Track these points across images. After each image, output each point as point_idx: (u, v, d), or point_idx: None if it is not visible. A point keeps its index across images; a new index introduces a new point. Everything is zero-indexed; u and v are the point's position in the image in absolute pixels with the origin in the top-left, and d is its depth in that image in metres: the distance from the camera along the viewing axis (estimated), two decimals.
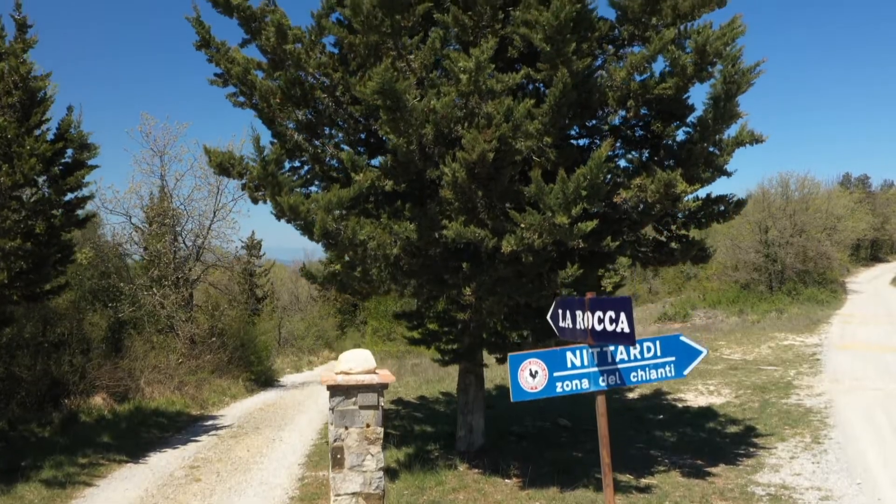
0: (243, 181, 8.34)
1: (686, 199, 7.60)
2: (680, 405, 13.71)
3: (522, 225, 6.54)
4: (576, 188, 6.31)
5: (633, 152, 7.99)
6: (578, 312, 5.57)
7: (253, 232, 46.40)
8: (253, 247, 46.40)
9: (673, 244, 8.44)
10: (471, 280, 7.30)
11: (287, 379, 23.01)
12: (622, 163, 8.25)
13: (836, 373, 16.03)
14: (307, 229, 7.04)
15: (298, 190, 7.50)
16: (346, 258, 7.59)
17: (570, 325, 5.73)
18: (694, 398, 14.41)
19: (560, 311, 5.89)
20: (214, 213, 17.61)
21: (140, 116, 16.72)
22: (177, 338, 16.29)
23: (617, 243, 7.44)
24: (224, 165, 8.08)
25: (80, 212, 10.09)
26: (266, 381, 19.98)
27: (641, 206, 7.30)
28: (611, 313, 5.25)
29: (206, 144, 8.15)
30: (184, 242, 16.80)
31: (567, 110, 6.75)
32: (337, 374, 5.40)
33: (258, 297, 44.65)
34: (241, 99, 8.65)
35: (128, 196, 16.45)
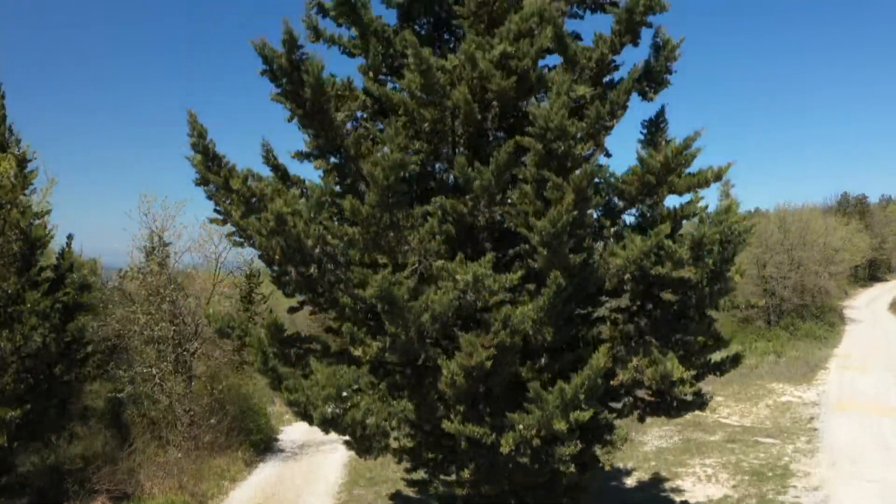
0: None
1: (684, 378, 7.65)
2: (678, 500, 13.78)
3: (521, 426, 6.60)
4: (574, 395, 6.37)
5: (629, 325, 8.04)
6: None
7: (252, 259, 46.37)
8: (252, 275, 46.52)
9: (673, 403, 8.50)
10: (470, 460, 7.36)
11: (286, 436, 22.98)
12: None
13: (833, 452, 16.07)
14: (305, 416, 7.10)
15: (298, 373, 7.54)
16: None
17: None
18: (692, 486, 14.47)
19: None
20: (213, 286, 17.63)
21: (139, 196, 16.66)
22: (176, 418, 16.32)
23: (614, 415, 7.51)
24: (224, 330, 8.12)
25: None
26: (265, 445, 20.00)
27: (639, 387, 7.36)
28: None
29: (209, 311, 8.18)
30: (183, 321, 16.81)
31: (563, 306, 6.81)
32: None
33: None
34: (240, 239, 8.74)
35: (130, 275, 16.46)
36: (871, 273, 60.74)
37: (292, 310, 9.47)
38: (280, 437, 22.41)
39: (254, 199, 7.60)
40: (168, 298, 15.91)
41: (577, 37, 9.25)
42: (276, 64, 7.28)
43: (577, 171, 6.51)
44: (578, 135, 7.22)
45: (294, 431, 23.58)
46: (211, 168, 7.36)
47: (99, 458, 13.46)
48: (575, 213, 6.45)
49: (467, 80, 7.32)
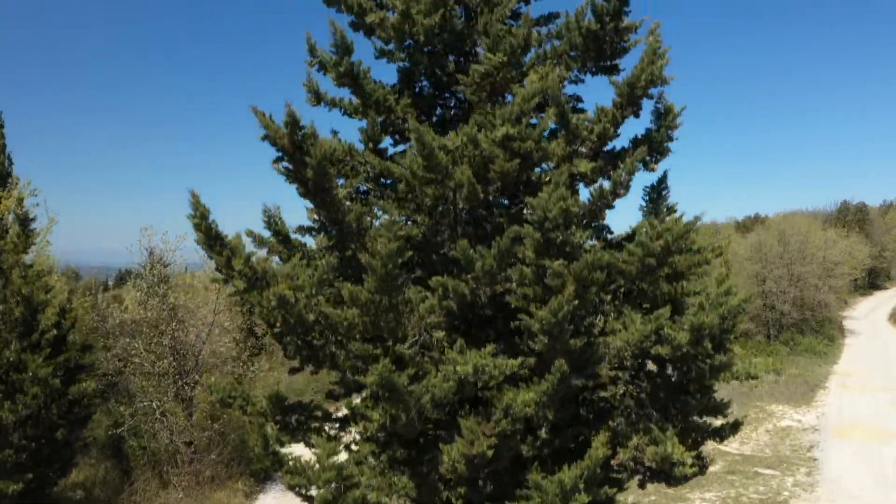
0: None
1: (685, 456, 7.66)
2: None
3: None
4: (573, 484, 6.39)
5: (630, 399, 8.06)
6: None
7: None
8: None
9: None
10: None
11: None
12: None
13: (833, 487, 16.12)
14: (306, 497, 7.12)
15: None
16: None
17: None
18: None
19: None
20: (214, 318, 17.65)
21: (140, 230, 16.68)
22: (177, 451, 16.35)
23: (615, 490, 7.53)
24: (226, 401, 8.14)
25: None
26: (265, 474, 20.03)
27: (640, 464, 7.39)
28: None
29: (210, 380, 8.20)
30: (183, 354, 16.82)
31: (565, 389, 6.82)
32: None
33: (257, 335, 44.59)
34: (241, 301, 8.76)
35: (133, 310, 16.48)
36: (870, 281, 60.75)
37: (293, 371, 9.48)
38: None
39: (255, 279, 7.61)
40: (169, 334, 15.92)
41: (578, 99, 9.27)
42: (279, 143, 7.29)
43: (579, 261, 6.52)
44: (580, 213, 7.27)
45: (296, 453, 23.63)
46: (213, 247, 7.37)
47: (99, 485, 13.48)
48: (576, 302, 6.46)
49: (469, 158, 7.33)
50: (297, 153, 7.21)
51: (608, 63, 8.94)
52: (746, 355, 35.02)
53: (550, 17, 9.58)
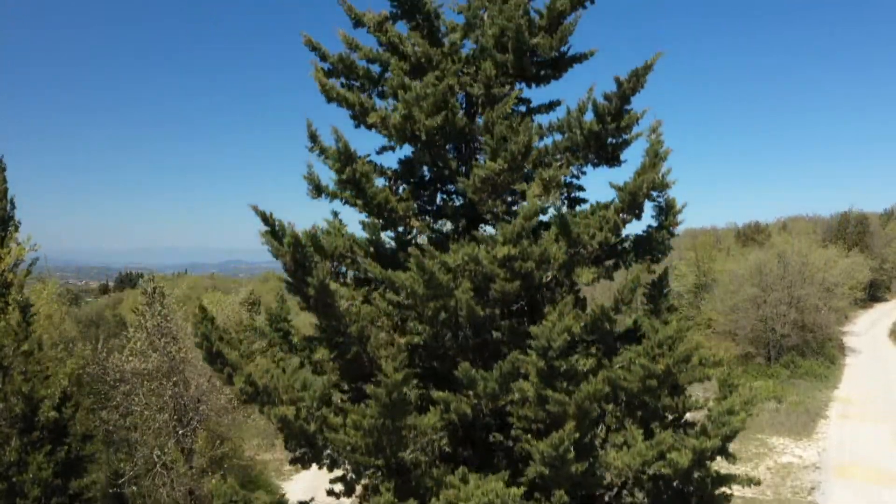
0: None
1: None
2: None
3: None
4: None
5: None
6: None
7: (252, 291, 46.48)
8: (253, 303, 46.48)
9: None
10: None
11: (290, 493, 22.98)
12: None
13: None
14: None
15: None
16: None
17: None
18: None
19: None
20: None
21: (142, 281, 16.63)
22: (177, 502, 16.36)
23: None
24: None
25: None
26: None
27: None
28: None
29: (213, 483, 8.20)
30: (185, 406, 16.81)
31: None
32: None
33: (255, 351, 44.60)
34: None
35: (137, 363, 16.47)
36: (871, 293, 60.72)
37: (294, 461, 9.47)
38: (283, 493, 22.40)
39: (256, 393, 7.61)
40: (169, 388, 15.91)
41: (580, 188, 9.26)
42: (280, 258, 7.28)
43: (581, 391, 6.51)
44: (584, 325, 7.26)
45: (297, 487, 23.55)
46: (215, 364, 7.38)
47: None
48: (577, 434, 6.45)
49: (471, 273, 7.32)
50: (299, 271, 7.21)
51: (609, 155, 8.96)
52: (747, 378, 35.12)
53: (552, 106, 9.59)
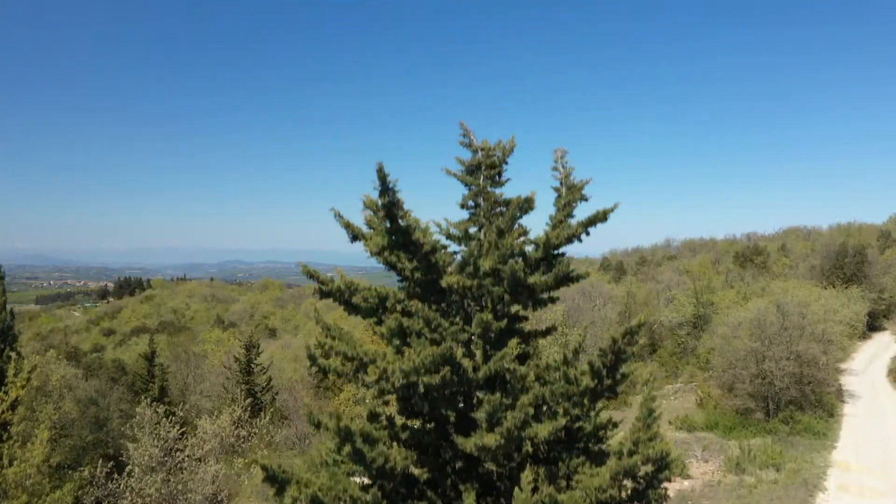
0: None
1: None
2: None
3: None
4: None
5: None
6: None
7: (251, 334, 46.58)
8: (253, 346, 46.42)
9: None
10: None
11: None
12: None
13: None
14: None
15: None
16: None
17: None
18: None
19: None
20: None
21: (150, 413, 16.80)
22: None
23: None
24: None
25: None
26: None
27: None
28: None
29: None
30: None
31: None
32: None
33: (255, 393, 44.62)
34: None
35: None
36: (870, 323, 60.82)
37: None
38: None
39: None
40: None
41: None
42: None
43: None
44: None
45: None
46: None
47: None
48: None
49: None
50: None
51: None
52: (746, 434, 35.14)
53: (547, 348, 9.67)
